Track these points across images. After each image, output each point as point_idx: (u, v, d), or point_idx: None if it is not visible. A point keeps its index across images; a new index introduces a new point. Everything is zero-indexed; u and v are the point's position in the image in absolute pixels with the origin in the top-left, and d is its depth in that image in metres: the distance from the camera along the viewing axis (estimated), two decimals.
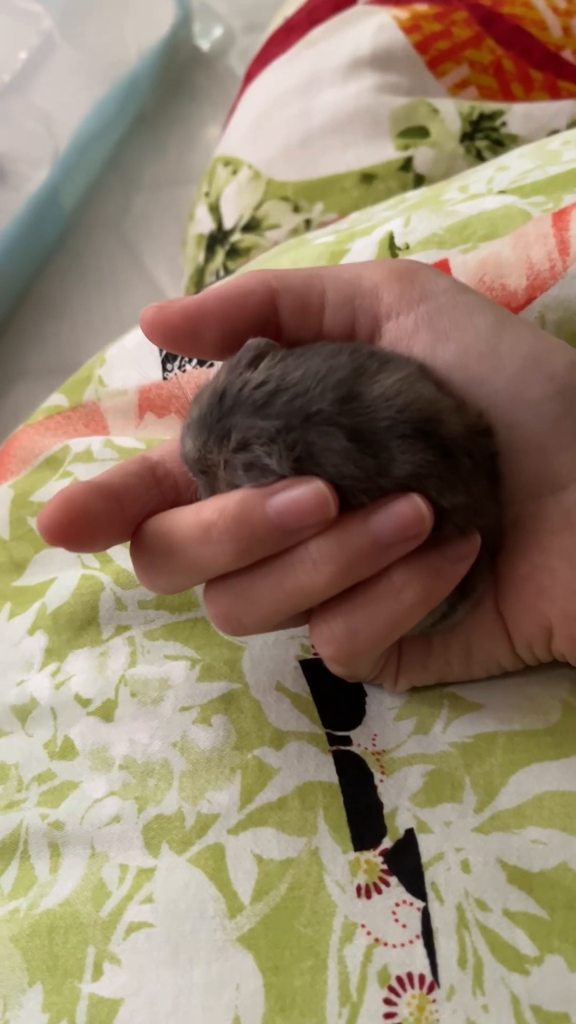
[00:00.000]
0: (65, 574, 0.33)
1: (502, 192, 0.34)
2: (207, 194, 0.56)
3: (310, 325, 0.27)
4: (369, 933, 0.24)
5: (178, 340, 0.27)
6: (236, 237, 0.52)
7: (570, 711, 0.27)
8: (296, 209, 0.50)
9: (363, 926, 0.24)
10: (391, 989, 0.23)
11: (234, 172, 0.53)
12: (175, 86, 0.95)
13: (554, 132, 0.47)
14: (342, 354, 0.24)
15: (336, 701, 0.29)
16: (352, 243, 0.34)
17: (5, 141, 0.83)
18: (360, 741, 0.28)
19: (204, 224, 0.55)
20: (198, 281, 0.56)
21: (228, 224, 0.53)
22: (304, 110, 0.50)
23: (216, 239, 0.54)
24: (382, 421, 0.23)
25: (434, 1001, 0.22)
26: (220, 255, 0.53)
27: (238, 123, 0.56)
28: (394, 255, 0.33)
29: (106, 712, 0.29)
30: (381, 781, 0.27)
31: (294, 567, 0.23)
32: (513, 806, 0.26)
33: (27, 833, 0.27)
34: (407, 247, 0.33)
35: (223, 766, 0.27)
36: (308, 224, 0.49)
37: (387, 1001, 0.23)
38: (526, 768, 0.26)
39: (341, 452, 0.23)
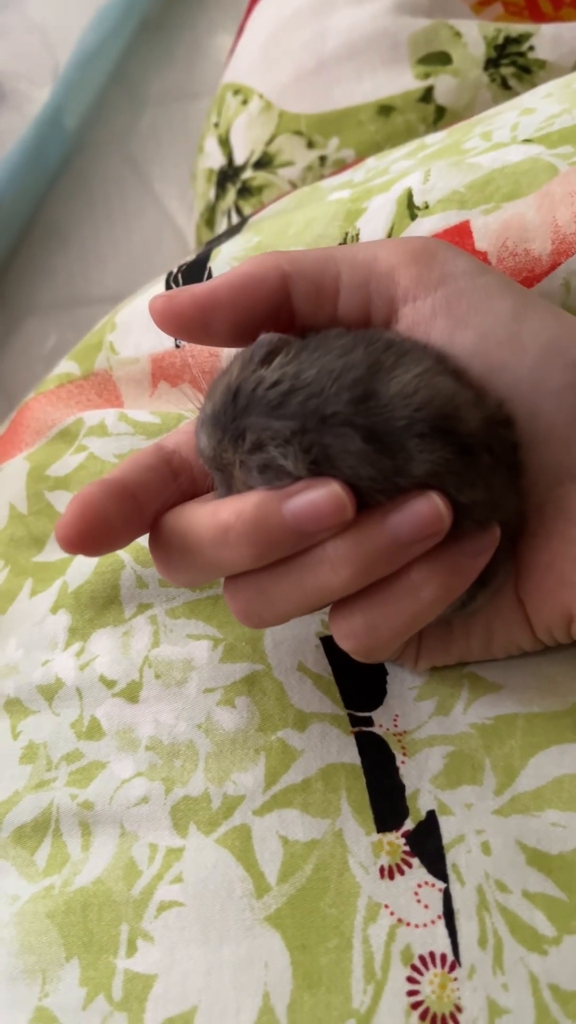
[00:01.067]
0: None
1: (527, 141, 0.32)
2: (216, 125, 0.53)
3: (324, 310, 0.26)
4: (392, 913, 0.25)
5: (189, 330, 0.26)
6: (248, 174, 0.50)
7: None
8: (310, 145, 0.47)
9: (386, 906, 0.25)
10: (414, 968, 0.24)
11: (244, 102, 0.50)
12: None
13: None
14: (357, 349, 0.24)
15: (357, 680, 0.29)
16: (369, 201, 0.33)
17: (1, 59, 0.79)
18: (382, 722, 0.28)
19: (214, 158, 0.53)
20: (209, 219, 0.54)
21: (239, 159, 0.50)
22: (317, 33, 0.47)
23: (227, 175, 0.51)
24: (399, 420, 0.22)
25: (455, 980, 0.23)
26: (231, 193, 0.51)
27: (247, 46, 0.52)
28: (412, 216, 0.31)
29: (131, 693, 0.29)
30: (403, 763, 0.27)
31: (312, 568, 0.23)
32: (532, 788, 0.26)
33: (58, 812, 0.28)
34: (426, 206, 0.31)
35: (247, 748, 0.28)
36: (323, 161, 0.47)
37: (410, 979, 0.24)
38: (545, 751, 0.27)
39: (358, 454, 0.22)
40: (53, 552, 0.34)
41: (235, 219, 0.50)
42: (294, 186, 0.48)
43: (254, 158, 0.49)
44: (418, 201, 0.32)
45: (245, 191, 0.50)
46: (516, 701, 0.28)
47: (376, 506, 0.23)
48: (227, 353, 0.34)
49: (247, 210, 0.50)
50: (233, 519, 0.23)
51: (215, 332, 0.26)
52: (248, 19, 0.54)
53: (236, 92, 0.51)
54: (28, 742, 0.30)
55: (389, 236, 0.32)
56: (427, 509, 0.22)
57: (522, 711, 0.28)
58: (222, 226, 0.51)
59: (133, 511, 0.25)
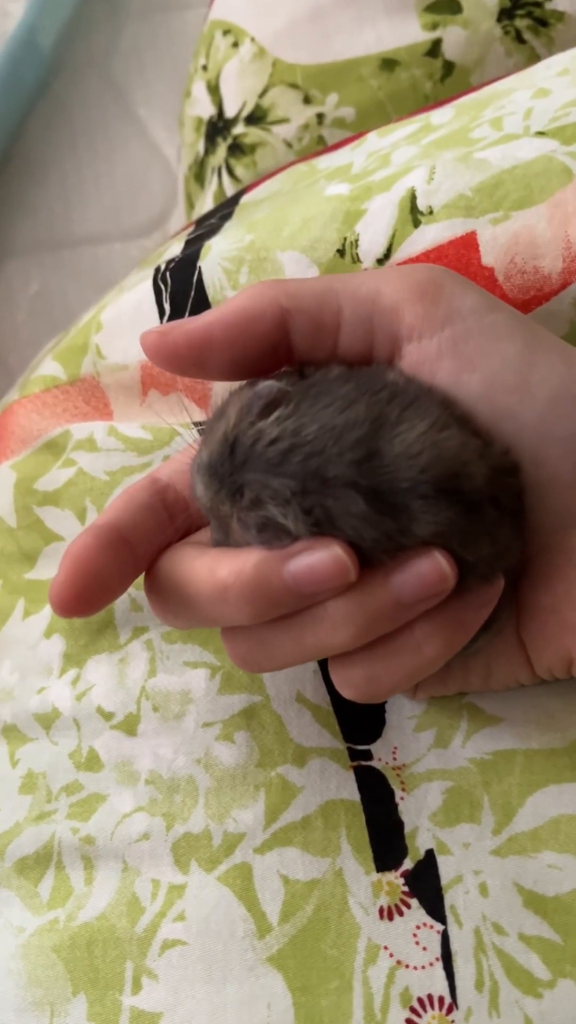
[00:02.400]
0: None
1: (540, 133, 0.30)
2: (205, 68, 0.50)
3: (325, 345, 0.25)
4: (392, 955, 0.26)
5: (183, 367, 0.25)
6: (239, 129, 0.47)
7: None
8: (307, 100, 0.44)
9: (386, 948, 0.26)
10: (412, 1010, 0.25)
11: (235, 44, 0.47)
12: None
13: None
14: (359, 402, 0.23)
15: (356, 710, 0.30)
16: (369, 201, 0.31)
17: None
18: (380, 755, 0.29)
19: (203, 106, 0.50)
20: (198, 173, 0.51)
21: (230, 111, 0.47)
22: None
23: (217, 128, 0.48)
24: (403, 482, 0.22)
25: (452, 1022, 0.25)
26: (222, 149, 0.48)
27: None
28: (416, 223, 0.30)
29: (129, 726, 0.30)
30: (402, 799, 0.28)
31: (313, 626, 0.23)
32: (530, 828, 0.27)
33: (60, 846, 0.29)
34: (430, 211, 0.30)
35: (247, 784, 0.29)
36: (320, 119, 0.44)
37: (408, 1021, 0.25)
38: (543, 789, 0.27)
39: (360, 516, 0.22)
40: (45, 570, 0.34)
41: (226, 179, 0.48)
42: (289, 146, 0.45)
43: (246, 111, 0.46)
44: (422, 205, 0.30)
45: (237, 148, 0.47)
46: (515, 736, 0.28)
47: (378, 564, 0.23)
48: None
49: (239, 170, 0.47)
50: (232, 579, 0.23)
51: (210, 369, 0.26)
52: None
53: (226, 32, 0.48)
54: (27, 771, 0.31)
55: (390, 244, 0.30)
56: (431, 569, 0.22)
57: (521, 747, 0.28)
58: (212, 184, 0.49)
59: (128, 560, 0.25)
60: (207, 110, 0.49)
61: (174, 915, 0.27)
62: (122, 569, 0.25)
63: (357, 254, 0.31)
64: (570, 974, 0.25)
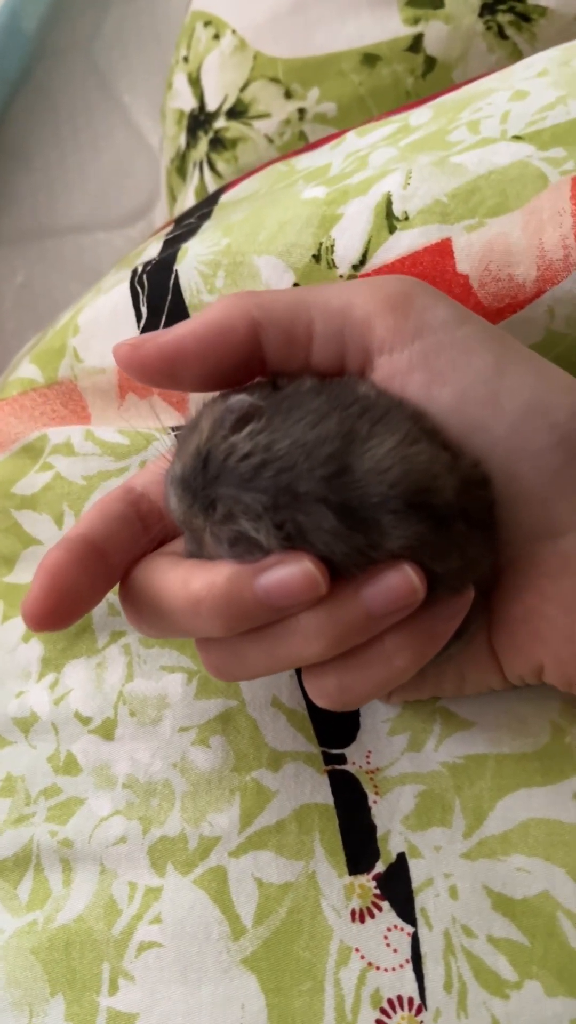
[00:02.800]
0: None
1: (517, 138, 0.30)
2: (186, 60, 0.49)
3: (297, 357, 0.25)
4: (363, 957, 0.27)
5: (155, 379, 0.26)
6: (220, 123, 0.47)
7: (558, 732, 0.29)
8: (288, 95, 0.44)
9: (357, 950, 0.27)
10: (383, 1011, 0.26)
11: (216, 36, 0.47)
12: None
13: None
14: (331, 416, 0.23)
15: (331, 713, 0.30)
16: (345, 205, 0.31)
17: None
18: (354, 759, 0.29)
19: (184, 99, 0.49)
20: (180, 167, 0.51)
21: (211, 104, 0.47)
22: None
23: (198, 121, 0.48)
24: (373, 497, 0.22)
25: (421, 1023, 0.25)
26: (203, 142, 0.48)
27: None
28: (391, 228, 0.30)
29: (106, 731, 0.30)
30: (375, 802, 0.29)
31: (285, 638, 0.24)
32: (500, 832, 0.27)
33: (39, 848, 0.30)
34: (406, 217, 0.30)
35: (223, 788, 0.29)
36: (302, 115, 0.44)
37: (379, 1022, 0.26)
38: (513, 793, 0.28)
39: (331, 531, 0.23)
40: (24, 574, 0.34)
41: (207, 174, 0.48)
42: (270, 141, 0.45)
43: (227, 105, 0.46)
44: (397, 210, 0.30)
45: (218, 143, 0.47)
46: (487, 741, 0.29)
47: (349, 577, 0.23)
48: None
49: (220, 165, 0.47)
50: (204, 592, 0.23)
51: (182, 382, 0.26)
52: None
53: (207, 23, 0.48)
54: (6, 774, 0.31)
55: (366, 250, 0.31)
56: (401, 582, 0.23)
57: (492, 751, 0.29)
58: (194, 179, 0.49)
59: (102, 572, 0.26)
60: (188, 103, 0.49)
61: (150, 917, 0.28)
62: (95, 582, 0.25)
63: (333, 259, 0.31)
64: (536, 975, 0.26)
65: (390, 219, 0.30)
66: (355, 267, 0.31)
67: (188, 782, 0.29)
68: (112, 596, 0.32)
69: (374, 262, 0.31)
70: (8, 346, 0.73)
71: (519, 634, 0.26)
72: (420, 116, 0.35)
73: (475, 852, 0.27)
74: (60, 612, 0.24)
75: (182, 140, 0.50)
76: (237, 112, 0.46)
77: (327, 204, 0.32)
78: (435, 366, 0.24)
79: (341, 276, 0.31)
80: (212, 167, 0.47)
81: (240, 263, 0.33)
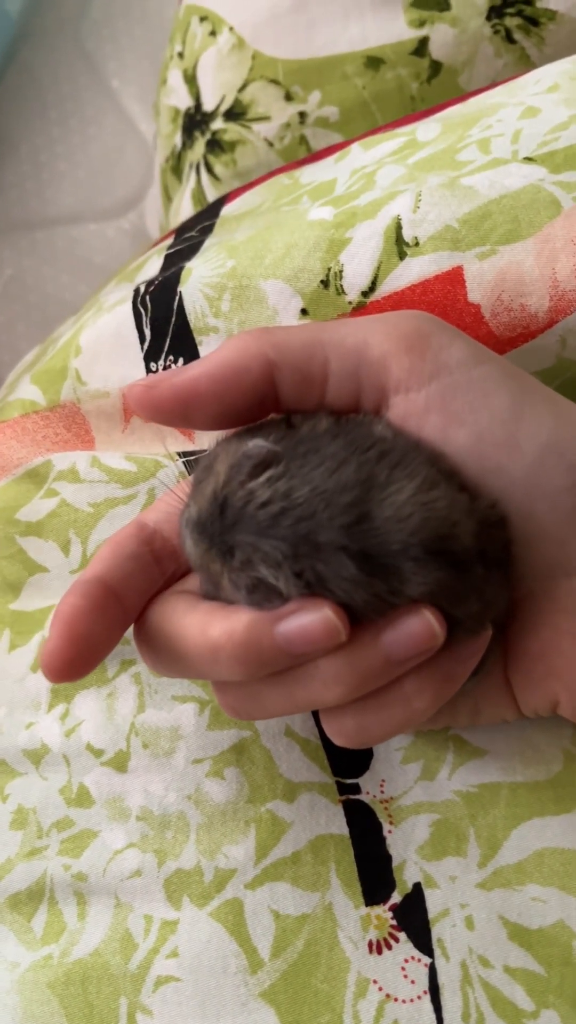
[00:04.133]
0: None
1: (528, 159, 0.30)
2: (181, 55, 0.49)
3: (312, 396, 0.26)
4: (381, 989, 0.27)
5: (169, 419, 0.26)
6: (218, 125, 0.46)
7: (571, 760, 0.29)
8: (288, 97, 0.44)
9: (375, 982, 0.27)
10: None
11: (212, 33, 0.46)
12: None
13: None
14: (349, 464, 0.24)
15: None
16: (353, 229, 0.31)
17: None
18: (368, 788, 0.30)
19: (179, 96, 0.49)
20: (175, 166, 0.51)
21: (208, 104, 0.47)
22: None
23: (195, 121, 0.48)
24: (394, 544, 0.23)
25: None
26: (200, 144, 0.48)
27: None
28: (401, 255, 0.30)
29: (119, 763, 0.31)
30: (390, 832, 0.29)
31: (304, 683, 0.24)
32: (515, 862, 0.28)
33: (52, 882, 0.30)
34: (416, 243, 0.30)
35: (237, 820, 0.30)
36: (303, 119, 0.44)
37: None
38: (528, 822, 0.29)
39: (351, 579, 0.23)
40: (30, 600, 0.34)
41: (204, 176, 0.48)
42: (270, 144, 0.45)
43: (225, 106, 0.46)
44: (407, 235, 0.30)
45: (216, 145, 0.47)
46: (500, 769, 0.30)
47: (368, 622, 0.24)
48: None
49: (218, 168, 0.47)
50: (224, 640, 0.24)
51: (196, 422, 0.26)
52: None
53: (203, 19, 0.47)
54: (17, 806, 0.32)
55: (375, 276, 0.31)
56: (421, 628, 0.23)
57: (506, 780, 0.29)
58: (191, 181, 0.49)
59: (118, 616, 0.26)
60: (184, 101, 0.49)
61: (167, 951, 0.29)
62: (112, 627, 0.26)
63: (341, 285, 0.32)
64: (553, 1005, 0.27)
65: (400, 244, 0.31)
66: (364, 293, 0.31)
67: (203, 814, 0.30)
68: None
69: (384, 289, 0.31)
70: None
71: (535, 669, 0.27)
72: (428, 131, 0.35)
73: (490, 882, 0.28)
74: (79, 662, 0.24)
75: (177, 139, 0.50)
76: (235, 114, 0.46)
77: (335, 227, 0.32)
78: (452, 407, 0.25)
79: (350, 303, 0.32)
80: (210, 170, 0.47)
81: (246, 287, 0.33)
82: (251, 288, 0.33)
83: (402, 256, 0.31)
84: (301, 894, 0.29)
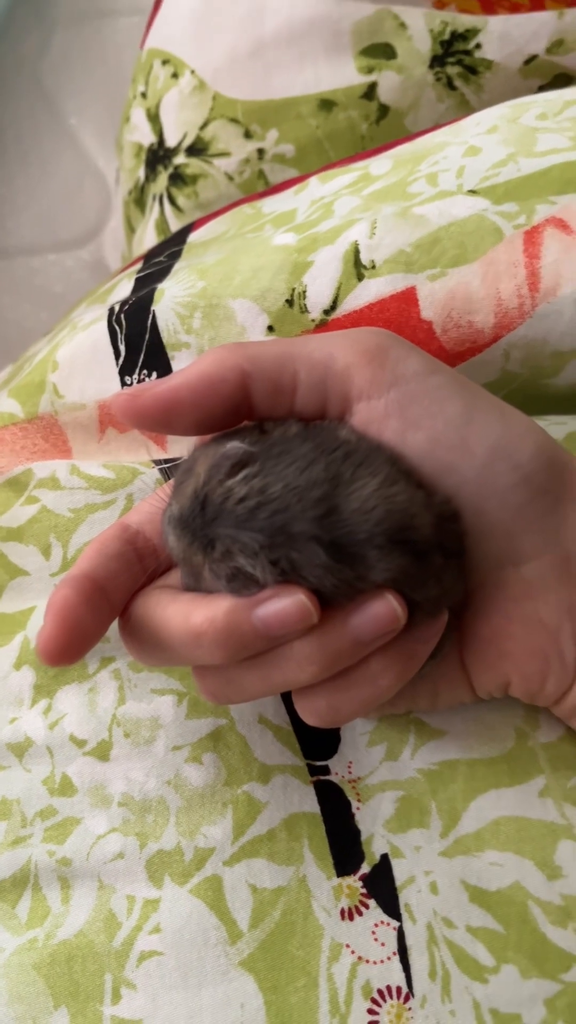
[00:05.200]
0: (43, 604, 0.35)
1: (472, 192, 0.34)
2: (144, 96, 0.52)
3: (282, 404, 0.28)
4: (353, 952, 0.29)
5: (152, 426, 0.28)
6: (181, 160, 0.50)
7: (523, 737, 0.32)
8: (248, 135, 0.48)
9: (347, 946, 0.30)
10: (373, 1000, 0.29)
11: (175, 75, 0.50)
12: None
13: (532, 58, 0.45)
14: (318, 463, 0.26)
15: (314, 729, 0.33)
16: (315, 253, 0.34)
17: None
18: (337, 770, 0.33)
19: (142, 133, 0.52)
20: (139, 199, 0.54)
21: (171, 141, 0.50)
22: (254, 10, 0.47)
23: (158, 156, 0.51)
24: (360, 534, 0.26)
25: (410, 1009, 0.29)
26: (163, 177, 0.51)
27: (174, 10, 0.51)
28: (359, 276, 0.33)
29: (102, 752, 0.33)
30: (358, 809, 0.32)
31: (279, 664, 0.27)
32: (473, 831, 0.31)
33: (36, 868, 0.32)
34: (373, 266, 0.33)
35: (215, 802, 0.32)
36: (261, 154, 0.47)
37: (370, 1011, 0.29)
38: (484, 794, 0.31)
39: (322, 566, 0.26)
40: (11, 603, 0.36)
41: (168, 208, 0.51)
42: (230, 178, 0.48)
43: (187, 142, 0.49)
44: (365, 259, 0.34)
45: (178, 178, 0.50)
46: (458, 747, 0.32)
47: (337, 606, 0.26)
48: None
49: (180, 199, 0.50)
50: (206, 626, 0.26)
51: (176, 428, 0.29)
52: None
53: (165, 62, 0.50)
54: (1, 798, 0.33)
55: (336, 296, 0.34)
56: (385, 611, 0.26)
57: (463, 757, 0.32)
58: (154, 212, 0.52)
59: (105, 608, 0.28)
60: (147, 138, 0.52)
61: (150, 928, 0.30)
62: (100, 618, 0.28)
63: (305, 304, 0.35)
64: (512, 960, 0.29)
65: (358, 267, 0.34)
66: (326, 312, 0.34)
67: (182, 798, 0.32)
68: None
69: (344, 308, 0.34)
70: None
71: (488, 652, 0.29)
72: (380, 166, 0.38)
73: (452, 850, 0.31)
74: (72, 648, 0.27)
75: (141, 173, 0.53)
76: (197, 149, 0.49)
77: (298, 251, 0.35)
78: (409, 413, 0.27)
79: (313, 320, 0.35)
80: (172, 201, 0.50)
81: (216, 305, 0.36)
82: (220, 307, 0.35)
83: (360, 278, 0.34)
84: (276, 868, 0.31)
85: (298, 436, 0.28)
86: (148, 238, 0.52)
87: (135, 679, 0.34)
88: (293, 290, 0.34)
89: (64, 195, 0.77)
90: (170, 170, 0.50)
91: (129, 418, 0.28)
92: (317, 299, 0.34)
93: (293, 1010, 0.29)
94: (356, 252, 0.34)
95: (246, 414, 0.29)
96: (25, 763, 0.33)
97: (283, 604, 0.25)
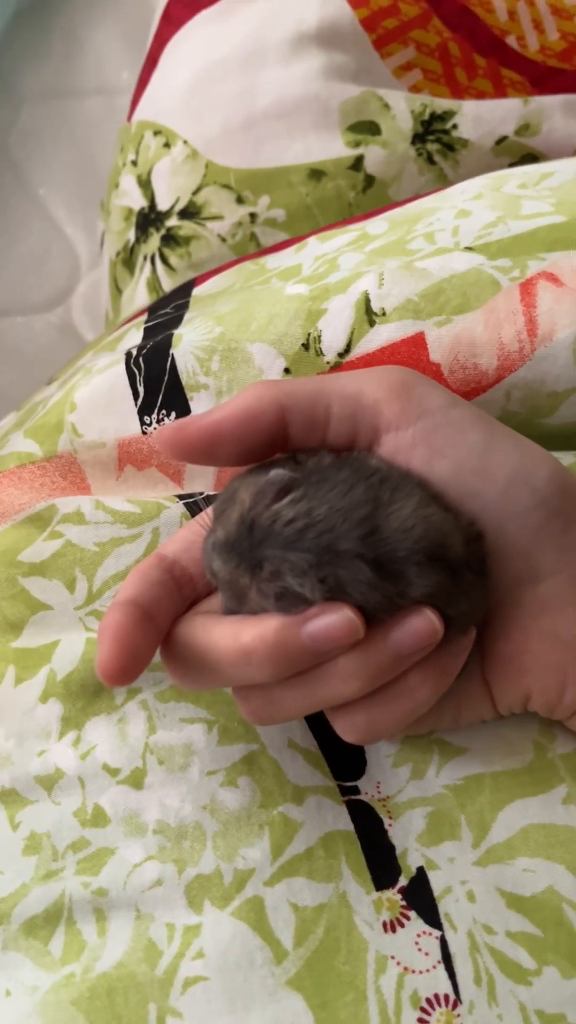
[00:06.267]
0: (69, 637, 0.36)
1: (469, 248, 0.38)
2: (134, 163, 0.55)
3: (316, 436, 0.31)
4: (398, 963, 0.30)
5: (196, 457, 0.30)
6: (173, 222, 0.53)
7: (540, 749, 0.34)
8: (240, 200, 0.51)
9: (392, 957, 0.30)
10: (422, 1010, 0.30)
11: (167, 145, 0.53)
12: None
13: (503, 139, 0.50)
14: (358, 487, 0.29)
15: (340, 752, 0.35)
16: (328, 302, 0.37)
17: None
18: (367, 790, 0.34)
19: (132, 198, 0.55)
20: (127, 259, 0.56)
21: (162, 204, 0.53)
22: (247, 88, 0.51)
23: (149, 219, 0.54)
24: (401, 551, 0.28)
25: (459, 1016, 0.29)
26: (155, 238, 0.54)
27: (166, 85, 0.55)
28: (371, 323, 0.36)
29: (136, 780, 0.33)
30: (390, 825, 0.33)
31: (324, 681, 0.28)
32: (504, 839, 0.32)
33: (71, 902, 0.32)
34: (383, 313, 0.36)
35: (252, 824, 0.32)
36: (254, 218, 0.51)
37: (420, 1021, 0.29)
38: (511, 804, 0.33)
39: (367, 582, 0.28)
40: (33, 637, 0.36)
41: (160, 267, 0.53)
42: (223, 240, 0.52)
43: (179, 206, 0.52)
44: (375, 307, 0.37)
45: (171, 239, 0.53)
46: (481, 762, 0.34)
47: (378, 623, 0.28)
48: None
49: (173, 259, 0.53)
50: (256, 644, 0.28)
51: (219, 458, 0.31)
52: (162, 52, 0.57)
53: (157, 133, 0.54)
54: (30, 832, 0.33)
55: (350, 340, 0.37)
56: (424, 625, 0.28)
57: (487, 771, 0.34)
58: (145, 271, 0.54)
59: (152, 632, 0.29)
60: (138, 202, 0.55)
61: (193, 953, 0.31)
62: (149, 641, 0.29)
63: (320, 348, 0.37)
64: (552, 962, 0.30)
65: (369, 314, 0.37)
66: (340, 355, 0.37)
67: (218, 822, 0.33)
68: None
69: (357, 351, 0.37)
70: None
71: (509, 667, 0.32)
72: (377, 227, 0.42)
73: (485, 859, 0.32)
74: (130, 668, 0.28)
75: (131, 235, 0.55)
76: (190, 213, 0.52)
77: (311, 300, 0.38)
78: (435, 443, 0.30)
79: (328, 363, 0.37)
80: (165, 261, 0.53)
81: (234, 349, 0.38)
82: (239, 350, 0.38)
83: (372, 323, 0.37)
84: (316, 886, 0.32)
85: (333, 465, 0.30)
86: (139, 296, 0.54)
87: (163, 709, 0.35)
88: (308, 335, 0.37)
89: (33, 261, 0.79)
90: (162, 231, 0.53)
91: (174, 449, 0.30)
92: (332, 343, 0.37)
93: None
94: (367, 301, 0.37)
95: (281, 446, 0.31)
96: (54, 796, 0.34)
97: (331, 620, 0.27)
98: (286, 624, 0.28)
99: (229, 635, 0.28)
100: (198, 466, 0.39)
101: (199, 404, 0.38)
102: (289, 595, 0.28)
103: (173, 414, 0.39)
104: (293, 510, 0.28)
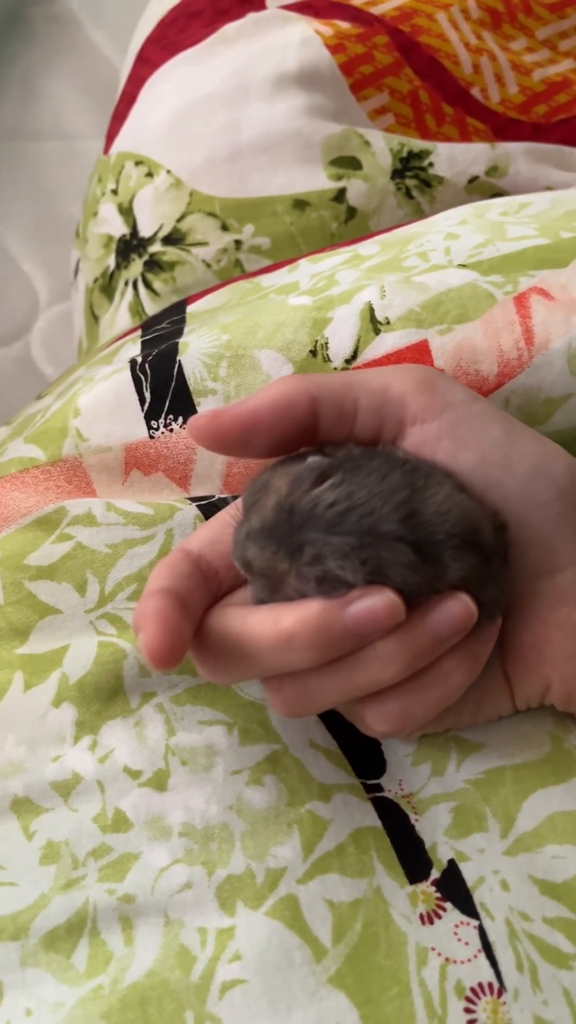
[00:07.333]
0: (78, 641, 0.35)
1: (462, 266, 0.40)
2: (115, 192, 0.56)
3: (344, 428, 0.32)
4: (439, 954, 0.30)
5: (229, 447, 0.31)
6: (157, 248, 0.54)
7: (557, 740, 0.35)
8: (224, 228, 0.52)
9: (433, 949, 0.30)
10: (468, 999, 0.29)
11: (149, 175, 0.54)
12: (6, 26, 0.91)
13: (474, 178, 0.54)
14: (395, 473, 0.29)
15: (359, 751, 0.35)
16: (333, 311, 0.39)
17: None
18: (390, 787, 0.34)
19: (112, 226, 0.56)
20: (105, 286, 0.57)
21: (145, 232, 0.54)
22: (232, 122, 0.53)
23: (131, 246, 0.55)
24: (439, 535, 0.29)
25: (504, 1004, 0.29)
26: (137, 264, 0.54)
27: (147, 118, 0.56)
28: (376, 331, 0.38)
29: (159, 782, 0.32)
30: (416, 821, 0.33)
31: (364, 665, 0.29)
32: (531, 828, 0.33)
33: (95, 910, 0.30)
34: (388, 322, 0.38)
35: (280, 822, 0.32)
36: (239, 245, 0.52)
37: (467, 1010, 0.29)
38: (534, 794, 0.33)
39: (408, 565, 0.28)
40: (40, 643, 0.35)
41: (143, 292, 0.54)
42: (208, 266, 0.53)
43: (163, 233, 0.54)
44: (380, 316, 0.38)
45: (155, 265, 0.54)
46: (499, 756, 0.34)
47: (415, 607, 0.29)
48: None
49: (156, 284, 0.54)
50: (298, 627, 0.28)
51: (252, 449, 0.31)
52: (140, 90, 0.58)
53: (139, 163, 0.55)
54: (47, 841, 0.32)
55: (356, 347, 0.38)
56: (461, 608, 0.29)
57: (508, 763, 0.34)
58: (127, 296, 0.55)
59: (188, 619, 0.29)
60: (118, 229, 0.56)
61: (229, 956, 0.30)
62: (190, 627, 0.29)
63: (327, 354, 0.38)
64: None
65: (374, 323, 0.38)
66: (347, 361, 0.38)
67: (245, 822, 0.32)
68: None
69: (363, 357, 0.38)
70: None
71: (529, 659, 0.33)
72: (368, 248, 0.44)
73: (514, 849, 0.32)
74: (177, 651, 0.27)
75: (110, 261, 0.56)
76: (174, 239, 0.53)
77: (316, 310, 0.39)
78: (459, 435, 0.31)
79: (335, 368, 0.39)
80: (148, 286, 0.54)
81: (242, 355, 0.39)
82: (247, 357, 0.39)
83: (377, 331, 0.38)
84: (350, 882, 0.31)
85: (363, 455, 0.31)
86: (121, 320, 0.55)
87: (180, 712, 0.34)
88: (316, 342, 0.38)
89: None
90: (145, 257, 0.54)
91: (208, 438, 0.30)
92: (339, 350, 0.38)
93: (390, 1020, 0.29)
94: (371, 310, 0.38)
95: (310, 439, 0.32)
96: (71, 803, 0.32)
97: (373, 602, 0.28)
98: (329, 607, 0.28)
99: (268, 621, 0.28)
100: (204, 472, 0.39)
101: (206, 409, 0.39)
102: (330, 579, 0.28)
103: (180, 419, 0.39)
104: (334, 494, 0.29)
